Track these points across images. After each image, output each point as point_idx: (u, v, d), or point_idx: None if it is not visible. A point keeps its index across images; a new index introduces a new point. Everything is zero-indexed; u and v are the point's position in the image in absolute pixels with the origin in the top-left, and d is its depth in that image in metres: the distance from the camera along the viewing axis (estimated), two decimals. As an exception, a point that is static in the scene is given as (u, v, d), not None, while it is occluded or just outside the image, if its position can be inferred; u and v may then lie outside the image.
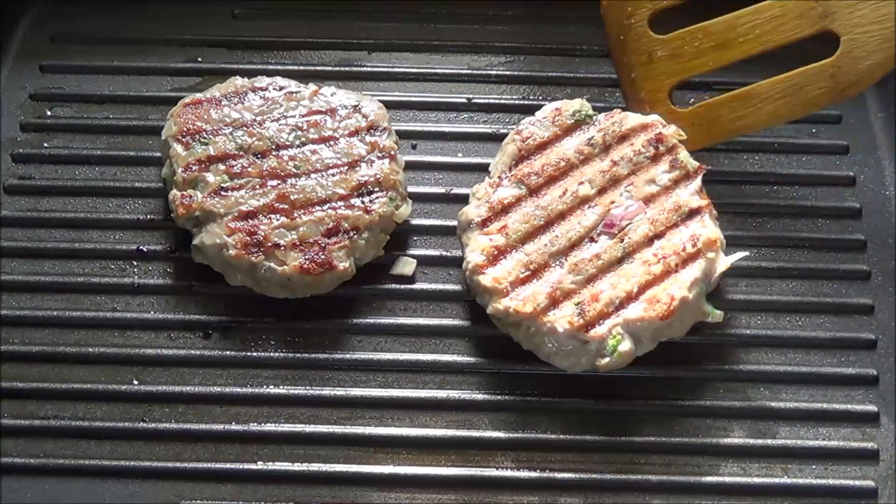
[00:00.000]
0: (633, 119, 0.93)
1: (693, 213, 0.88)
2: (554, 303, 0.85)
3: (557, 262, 0.87)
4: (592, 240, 0.88)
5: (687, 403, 0.88)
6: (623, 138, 0.92)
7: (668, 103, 0.92)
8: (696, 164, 0.91)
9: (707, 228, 0.87)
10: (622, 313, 0.84)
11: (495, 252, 0.88)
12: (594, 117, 0.94)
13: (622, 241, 0.88)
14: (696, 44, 0.91)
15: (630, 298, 0.85)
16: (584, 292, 0.86)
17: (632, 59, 0.92)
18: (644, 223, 0.88)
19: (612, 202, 0.89)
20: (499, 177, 0.92)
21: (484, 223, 0.90)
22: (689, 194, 0.89)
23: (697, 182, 0.90)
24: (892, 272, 0.95)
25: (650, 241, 0.88)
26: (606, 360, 0.84)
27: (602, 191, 0.90)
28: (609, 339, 0.84)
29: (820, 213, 0.99)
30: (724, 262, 0.87)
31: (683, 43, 0.91)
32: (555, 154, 0.92)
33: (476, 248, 0.88)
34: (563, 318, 0.84)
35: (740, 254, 0.89)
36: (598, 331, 0.84)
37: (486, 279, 0.86)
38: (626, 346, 0.84)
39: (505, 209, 0.90)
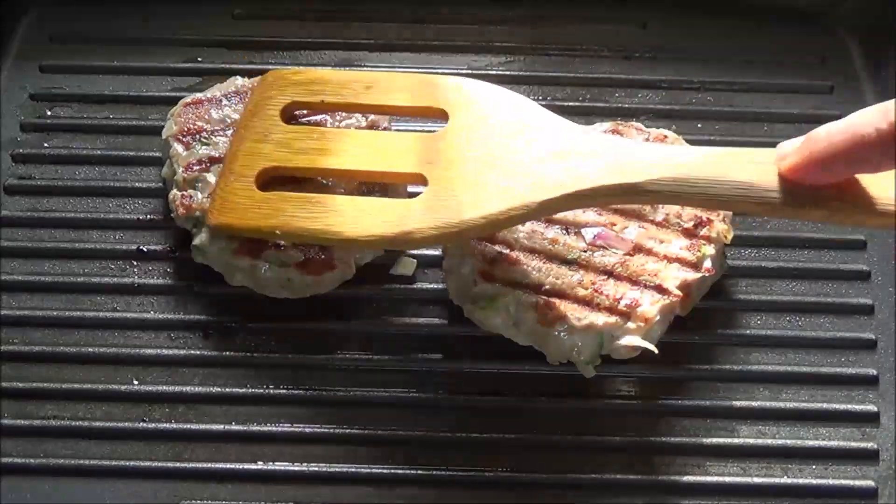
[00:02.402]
0: None
1: (661, 291, 0.86)
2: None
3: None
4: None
5: (686, 403, 0.88)
6: None
7: (251, 181, 0.86)
8: (710, 264, 0.88)
9: (652, 308, 0.85)
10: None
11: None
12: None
13: (592, 252, 0.87)
14: (307, 141, 0.87)
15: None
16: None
17: (246, 135, 0.89)
18: (616, 258, 0.87)
19: (614, 224, 0.89)
20: None
21: None
22: (673, 280, 0.87)
23: (695, 276, 0.87)
24: (892, 272, 0.95)
25: (608, 272, 0.87)
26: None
27: (618, 210, 0.90)
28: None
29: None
30: (628, 341, 0.85)
31: (296, 136, 0.88)
32: None
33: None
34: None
35: (644, 343, 0.85)
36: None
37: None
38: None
39: None
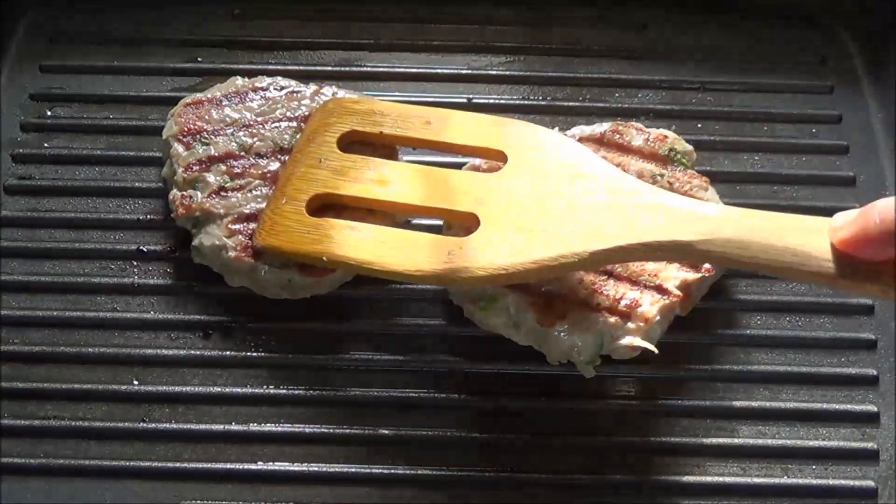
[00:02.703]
0: (702, 194, 0.91)
1: (661, 291, 0.86)
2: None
3: None
4: None
5: (686, 403, 0.88)
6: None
7: (302, 205, 0.86)
8: (709, 264, 0.87)
9: (652, 309, 0.85)
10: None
11: None
12: (685, 167, 0.93)
13: None
14: (363, 171, 0.87)
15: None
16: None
17: (301, 159, 0.88)
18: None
19: None
20: None
21: None
22: (672, 279, 0.87)
23: (695, 276, 0.87)
24: (892, 272, 0.95)
25: (608, 272, 0.87)
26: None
27: None
28: None
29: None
30: (628, 341, 0.85)
31: (352, 165, 0.87)
32: (618, 160, 0.92)
33: None
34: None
35: (644, 343, 0.85)
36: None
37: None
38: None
39: None
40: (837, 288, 0.76)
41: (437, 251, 0.82)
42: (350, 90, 0.98)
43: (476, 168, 0.92)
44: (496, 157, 0.87)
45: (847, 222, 0.71)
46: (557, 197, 0.81)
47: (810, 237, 0.73)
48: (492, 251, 0.80)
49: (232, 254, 0.88)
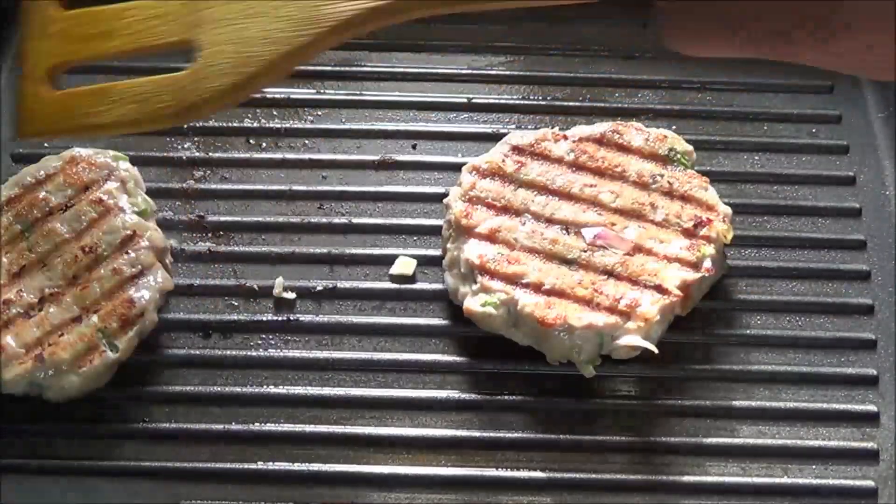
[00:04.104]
0: (702, 194, 0.92)
1: (661, 291, 0.86)
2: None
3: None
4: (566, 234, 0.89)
5: (686, 403, 0.88)
6: (682, 197, 0.91)
7: (43, 82, 0.82)
8: (710, 264, 0.88)
9: (652, 308, 0.85)
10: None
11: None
12: (685, 167, 0.93)
13: (592, 252, 0.88)
14: (84, 27, 0.82)
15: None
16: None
17: (28, 31, 0.84)
18: (616, 258, 0.88)
19: (614, 224, 0.89)
20: None
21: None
22: (672, 279, 0.87)
23: (694, 276, 0.88)
24: (892, 272, 0.95)
25: (608, 272, 0.87)
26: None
27: (618, 210, 0.90)
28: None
29: (820, 213, 0.99)
30: (628, 341, 0.85)
31: (74, 24, 0.83)
32: (618, 160, 0.93)
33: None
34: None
35: (644, 343, 0.85)
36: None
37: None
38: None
39: None
40: None
41: (169, 91, 0.79)
42: (351, 90, 0.99)
43: (476, 168, 0.92)
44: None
45: None
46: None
47: None
48: (214, 74, 0.77)
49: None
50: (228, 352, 0.90)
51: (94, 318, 0.85)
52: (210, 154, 1.01)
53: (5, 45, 1.08)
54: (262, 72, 0.76)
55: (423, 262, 0.95)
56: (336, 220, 0.98)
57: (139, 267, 0.88)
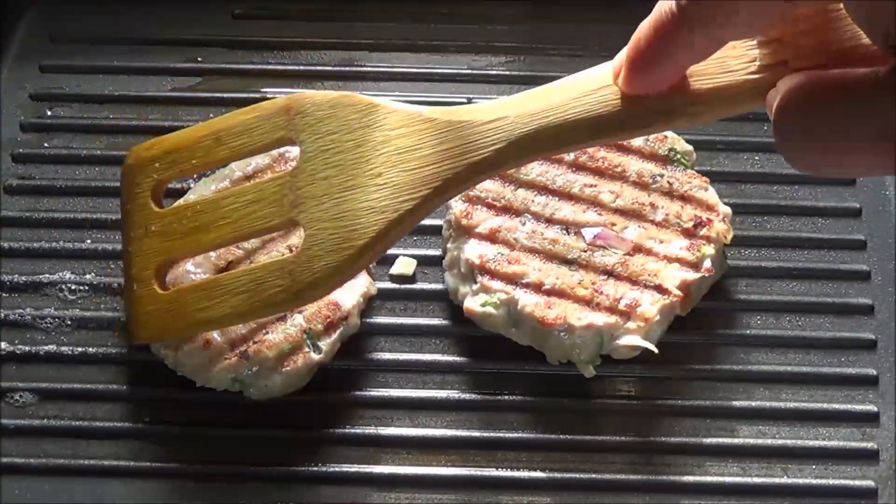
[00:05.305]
0: (702, 194, 0.92)
1: (661, 291, 0.86)
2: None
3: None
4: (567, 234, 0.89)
5: (686, 403, 0.88)
6: (682, 197, 0.91)
7: (151, 283, 0.82)
8: (710, 264, 0.88)
9: (652, 308, 0.85)
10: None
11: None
12: (685, 167, 0.93)
13: (592, 252, 0.88)
14: (184, 222, 0.82)
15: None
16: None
17: (130, 233, 0.84)
18: (616, 258, 0.88)
19: (614, 224, 0.89)
20: None
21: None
22: (672, 279, 0.87)
23: (694, 276, 0.88)
24: (892, 272, 0.95)
25: (608, 272, 0.87)
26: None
27: (618, 210, 0.90)
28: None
29: (820, 213, 0.99)
30: (628, 341, 0.85)
31: (173, 220, 0.82)
32: (618, 160, 0.93)
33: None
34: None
35: (644, 343, 0.85)
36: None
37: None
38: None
39: None
40: (644, 133, 0.72)
41: (279, 276, 0.78)
42: (351, 90, 0.98)
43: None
44: (290, 145, 0.81)
45: (618, 63, 0.64)
46: (363, 163, 0.75)
47: (598, 97, 0.67)
48: (326, 250, 0.75)
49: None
50: (228, 352, 0.90)
51: (300, 318, 0.85)
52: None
53: (5, 45, 1.08)
54: (370, 244, 0.74)
55: (423, 262, 0.95)
56: (336, 220, 0.98)
57: None
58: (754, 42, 0.62)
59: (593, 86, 0.67)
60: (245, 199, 0.81)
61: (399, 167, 0.74)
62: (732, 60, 0.63)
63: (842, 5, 0.56)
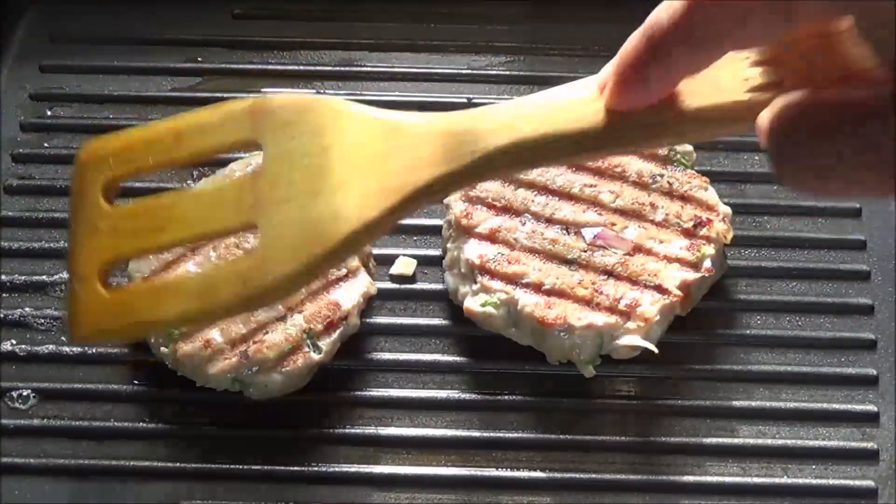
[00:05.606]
0: (702, 194, 0.92)
1: (661, 291, 0.87)
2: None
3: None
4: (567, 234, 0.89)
5: (686, 403, 0.88)
6: (682, 197, 0.91)
7: (94, 282, 0.77)
8: (710, 264, 0.88)
9: (652, 308, 0.85)
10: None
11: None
12: (685, 167, 0.93)
13: (592, 252, 0.88)
14: (136, 221, 0.77)
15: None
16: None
17: (77, 229, 0.79)
18: (616, 258, 0.87)
19: (614, 224, 0.89)
20: None
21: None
22: (672, 279, 0.87)
23: (694, 276, 0.88)
24: (892, 272, 0.95)
25: (608, 272, 0.87)
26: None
27: (618, 210, 0.90)
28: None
29: (820, 213, 0.99)
30: (628, 341, 0.85)
31: (124, 219, 0.77)
32: (617, 160, 0.92)
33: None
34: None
35: (644, 343, 0.85)
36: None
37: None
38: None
39: None
40: (637, 150, 0.73)
41: (232, 279, 0.73)
42: (351, 90, 0.99)
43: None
44: (254, 148, 0.76)
45: (608, 74, 0.62)
46: (329, 168, 0.71)
47: (584, 109, 0.64)
48: (279, 257, 0.71)
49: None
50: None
51: (300, 318, 0.85)
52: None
53: (5, 45, 1.08)
54: (332, 252, 0.69)
55: (423, 262, 0.95)
56: (336, 220, 0.98)
57: (344, 270, 0.88)
58: (749, 61, 0.61)
59: (576, 100, 0.65)
60: (201, 202, 0.77)
61: (367, 174, 0.70)
62: (725, 80, 0.61)
63: (843, 27, 0.56)
